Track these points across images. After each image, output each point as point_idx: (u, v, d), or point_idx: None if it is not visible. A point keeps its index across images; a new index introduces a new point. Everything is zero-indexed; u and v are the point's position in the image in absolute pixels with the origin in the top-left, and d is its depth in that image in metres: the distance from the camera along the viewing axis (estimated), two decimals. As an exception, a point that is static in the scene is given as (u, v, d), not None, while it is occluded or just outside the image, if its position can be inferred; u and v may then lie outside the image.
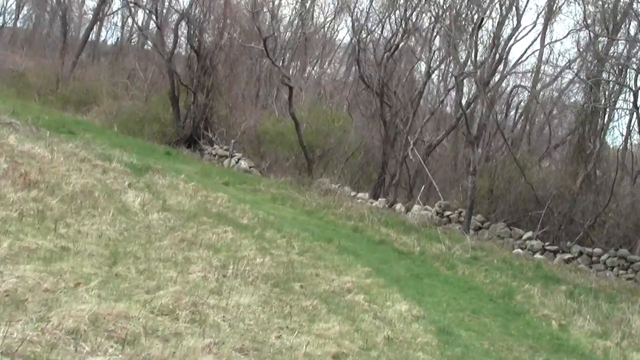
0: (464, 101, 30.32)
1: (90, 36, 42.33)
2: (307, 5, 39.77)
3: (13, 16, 52.74)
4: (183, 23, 31.36)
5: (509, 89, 35.58)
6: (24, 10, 52.29)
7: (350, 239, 18.82)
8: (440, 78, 35.94)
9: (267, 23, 39.59)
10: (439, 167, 34.59)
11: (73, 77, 36.05)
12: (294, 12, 41.11)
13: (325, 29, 42.17)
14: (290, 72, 39.04)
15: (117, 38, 49.33)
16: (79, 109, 33.14)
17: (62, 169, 16.73)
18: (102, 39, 50.32)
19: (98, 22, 43.71)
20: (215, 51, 31.30)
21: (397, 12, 29.96)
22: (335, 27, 42.19)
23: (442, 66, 31.35)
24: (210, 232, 14.36)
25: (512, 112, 37.75)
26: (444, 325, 11.66)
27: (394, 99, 28.82)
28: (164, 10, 33.91)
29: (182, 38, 32.67)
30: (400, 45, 30.90)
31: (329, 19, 41.39)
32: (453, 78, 30.92)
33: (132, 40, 46.68)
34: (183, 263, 11.05)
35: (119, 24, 48.10)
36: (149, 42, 36.81)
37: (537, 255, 23.37)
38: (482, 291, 15.68)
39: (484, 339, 11.60)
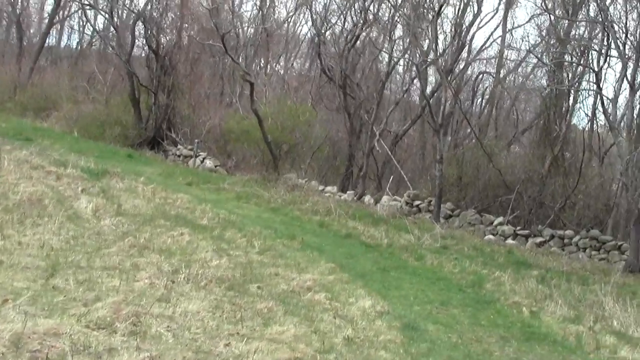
0: (429, 90, 29.76)
1: (48, 41, 41.62)
2: (268, 1, 38.95)
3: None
4: (140, 23, 30.43)
5: (474, 76, 35.08)
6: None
7: (315, 235, 18.17)
8: (406, 68, 35.27)
9: (227, 20, 38.98)
10: (408, 157, 34.09)
11: (31, 83, 35.13)
12: (254, 8, 40.35)
13: (288, 24, 41.39)
14: (253, 68, 38.25)
15: (77, 42, 48.42)
16: (39, 115, 32.28)
17: (10, 177, 16.14)
18: (62, 44, 49.40)
19: (57, 26, 42.87)
20: (174, 50, 30.51)
21: (357, 3, 29.31)
22: (298, 22, 40.99)
23: (407, 56, 30.52)
24: (165, 235, 13.74)
25: (479, 100, 37.32)
26: (409, 320, 11.03)
27: (357, 91, 28.17)
28: (121, 12, 32.97)
29: (141, 39, 31.72)
30: (362, 37, 30.31)
31: (290, 14, 40.55)
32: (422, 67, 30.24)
33: (93, 44, 45.70)
34: (130, 270, 10.40)
35: (77, 27, 47.03)
36: (109, 45, 35.80)
37: (509, 241, 22.86)
38: (451, 281, 15.07)
39: (452, 331, 10.98)
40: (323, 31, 30.74)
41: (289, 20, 40.47)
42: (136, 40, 31.62)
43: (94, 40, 44.96)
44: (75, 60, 42.22)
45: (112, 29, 33.95)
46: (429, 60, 25.30)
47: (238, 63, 30.29)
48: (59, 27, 45.46)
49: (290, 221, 19.67)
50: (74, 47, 47.41)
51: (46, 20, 40.70)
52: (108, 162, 23.91)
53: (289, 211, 20.99)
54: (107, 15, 30.91)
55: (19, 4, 40.16)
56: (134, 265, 10.71)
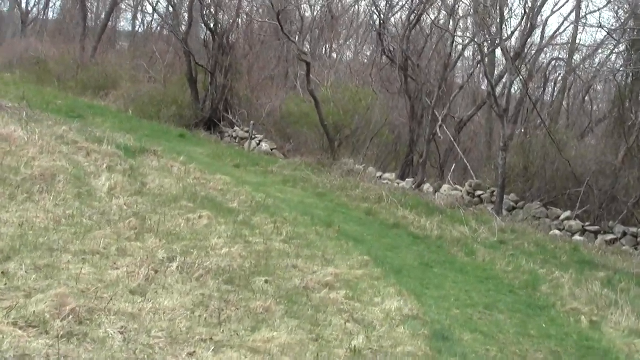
0: (496, 74, 27.61)
1: (112, 21, 40.50)
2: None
3: (45, 7, 51.12)
4: (198, 1, 28.92)
5: (546, 63, 32.73)
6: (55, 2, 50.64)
7: (359, 223, 16.40)
8: (474, 52, 33.02)
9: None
10: (473, 145, 31.95)
11: (93, 62, 34.01)
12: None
13: (354, 7, 39.48)
14: (317, 52, 36.54)
15: (139, 23, 47.32)
16: (98, 94, 31.15)
17: (32, 151, 14.61)
18: (124, 24, 48.43)
19: (119, 6, 41.78)
20: (232, 29, 28.91)
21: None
22: (362, 5, 38.96)
23: (470, 36, 28.34)
24: (181, 218, 12.16)
25: (551, 88, 34.92)
26: (442, 327, 9.20)
27: (419, 74, 26.16)
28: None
29: (199, 17, 30.19)
30: (425, 17, 28.35)
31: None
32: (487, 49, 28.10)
33: (152, 25, 44.54)
34: (113, 256, 8.78)
35: (138, 7, 45.79)
36: (166, 24, 34.45)
37: (576, 237, 20.64)
38: (502, 281, 13.13)
39: (492, 343, 9.11)
40: (384, 11, 28.79)
41: (355, 3, 38.51)
42: (192, 19, 30.03)
43: (153, 20, 43.67)
44: (136, 40, 41.10)
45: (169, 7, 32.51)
46: (490, 38, 23.11)
47: (294, 42, 28.59)
48: (121, 7, 44.49)
49: (334, 208, 17.95)
50: (136, 27, 46.31)
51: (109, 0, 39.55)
52: (156, 141, 22.59)
53: (335, 197, 19.25)
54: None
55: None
56: (121, 250, 9.10)
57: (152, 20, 43.62)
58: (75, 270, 7.70)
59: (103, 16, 40.51)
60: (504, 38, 23.59)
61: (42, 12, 50.81)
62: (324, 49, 37.27)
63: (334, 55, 36.96)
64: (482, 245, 16.08)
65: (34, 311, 6.26)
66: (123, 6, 48.23)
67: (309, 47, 37.73)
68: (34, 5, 51.39)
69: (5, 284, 6.82)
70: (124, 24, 49.72)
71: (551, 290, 12.83)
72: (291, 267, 10.46)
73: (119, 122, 25.13)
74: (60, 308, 6.35)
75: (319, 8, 39.62)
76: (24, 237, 8.60)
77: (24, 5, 50.54)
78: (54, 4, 51.18)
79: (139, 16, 46.55)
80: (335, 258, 11.83)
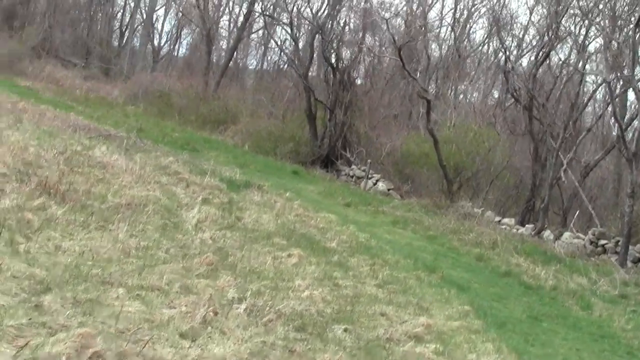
0: (628, 116, 25.84)
1: (236, 56, 40.51)
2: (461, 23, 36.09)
3: (174, 44, 51.93)
4: (319, 36, 28.28)
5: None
6: (186, 38, 51.34)
7: (467, 269, 15.17)
8: (605, 94, 31.18)
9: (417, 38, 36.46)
10: (600, 191, 30.05)
11: (214, 97, 33.86)
12: (448, 29, 37.53)
13: (482, 46, 38.19)
14: (441, 91, 35.36)
15: (259, 59, 47.26)
16: (217, 128, 30.89)
17: (127, 179, 14.05)
18: (248, 60, 48.52)
19: (243, 42, 41.71)
20: (354, 65, 28.15)
21: (548, 17, 25.81)
22: (490, 45, 37.53)
23: (598, 72, 26.54)
24: (270, 255, 11.23)
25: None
26: (542, 393, 7.92)
27: (545, 114, 24.67)
28: (301, 24, 31.07)
29: (320, 53, 29.56)
30: (552, 56, 26.91)
31: (485, 38, 37.39)
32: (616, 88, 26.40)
33: (276, 61, 44.29)
34: (174, 293, 7.89)
35: (261, 45, 45.60)
36: (288, 59, 34.00)
37: None
38: (620, 340, 11.66)
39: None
40: (511, 48, 27.50)
41: (483, 43, 37.23)
42: (314, 54, 29.45)
43: (276, 56, 43.42)
44: (261, 77, 40.93)
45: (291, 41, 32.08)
46: (620, 75, 21.48)
47: (415, 78, 27.57)
48: (250, 44, 44.60)
49: (444, 252, 16.76)
50: (264, 65, 46.26)
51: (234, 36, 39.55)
52: (267, 176, 22.05)
53: (446, 241, 18.05)
54: (287, 28, 29.02)
55: (210, 17, 39.05)
56: (185, 287, 8.22)
57: (279, 58, 43.37)
58: (120, 308, 6.84)
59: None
60: (636, 78, 21.92)
61: (172, 49, 51.65)
62: (449, 89, 36.03)
63: (460, 95, 35.69)
64: (601, 299, 14.57)
65: (49, 352, 5.43)
66: (253, 44, 48.52)
67: (434, 86, 36.64)
68: (166, 41, 52.24)
69: (30, 319, 6.01)
70: (253, 61, 49.79)
71: (676, 354, 11.28)
72: (378, 315, 9.40)
73: (233, 157, 24.68)
74: (82, 350, 5.50)
75: (446, 47, 38.62)
76: (78, 268, 7.84)
77: (156, 42, 51.44)
78: (183, 41, 51.69)
79: (269, 54, 46.50)
80: (432, 306, 10.71)
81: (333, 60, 28.06)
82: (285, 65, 39.71)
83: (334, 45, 28.08)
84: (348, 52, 29.12)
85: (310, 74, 33.88)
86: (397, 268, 12.91)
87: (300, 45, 31.77)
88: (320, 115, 28.92)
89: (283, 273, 10.36)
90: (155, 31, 52.29)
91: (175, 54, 51.35)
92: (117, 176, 14.15)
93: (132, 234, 10.16)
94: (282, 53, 38.77)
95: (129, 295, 7.38)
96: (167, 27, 52.54)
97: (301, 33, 32.72)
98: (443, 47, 38.46)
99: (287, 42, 32.22)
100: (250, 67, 47.45)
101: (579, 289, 15.19)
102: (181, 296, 7.86)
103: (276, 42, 38.43)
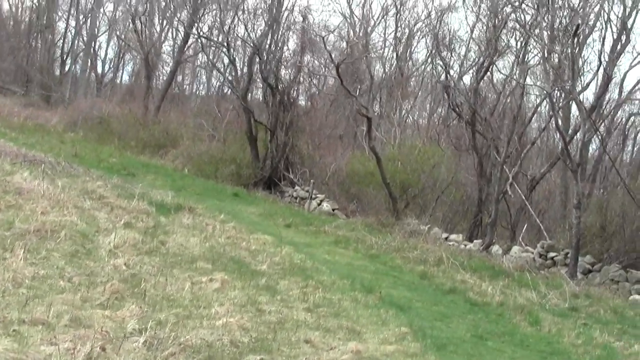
0: (572, 130, 25.15)
1: (175, 81, 39.42)
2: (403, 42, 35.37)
3: (115, 70, 50.65)
4: (257, 57, 27.26)
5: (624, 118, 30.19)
6: (128, 64, 50.08)
7: (409, 288, 14.16)
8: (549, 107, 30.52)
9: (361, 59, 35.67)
10: (549, 205, 29.33)
11: (155, 121, 32.66)
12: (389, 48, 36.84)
13: (425, 65, 37.44)
14: (386, 110, 34.57)
15: (205, 84, 46.18)
16: (157, 153, 29.73)
17: (43, 205, 12.89)
18: (196, 87, 47.40)
19: (183, 66, 40.58)
20: (293, 85, 27.19)
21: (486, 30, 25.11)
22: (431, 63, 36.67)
23: (539, 84, 25.78)
24: (190, 280, 10.12)
25: (630, 145, 32.27)
26: None
27: (487, 128, 23.85)
28: (238, 45, 30.05)
29: (258, 73, 28.52)
30: (495, 73, 26.20)
31: (428, 56, 36.64)
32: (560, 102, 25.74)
33: (219, 86, 43.21)
34: (62, 327, 6.78)
35: (207, 70, 44.38)
36: (227, 80, 32.94)
37: (660, 303, 17.96)
38: (570, 356, 10.74)
39: None
40: (453, 66, 26.77)
41: (426, 61, 36.48)
42: (252, 75, 28.43)
43: (220, 81, 42.21)
44: (202, 101, 39.88)
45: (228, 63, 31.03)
46: (559, 85, 20.69)
47: (354, 96, 26.57)
48: (190, 69, 43.37)
49: (386, 270, 15.75)
50: (204, 89, 45.11)
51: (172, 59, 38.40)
52: (205, 199, 21.04)
53: (389, 259, 17.03)
54: (223, 49, 27.97)
55: (147, 42, 37.86)
56: (76, 319, 7.14)
57: (222, 82, 42.20)
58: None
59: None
60: (577, 90, 21.23)
61: (115, 75, 50.31)
62: (393, 108, 35.21)
63: (404, 114, 34.86)
64: (550, 313, 13.63)
65: None
66: (198, 69, 47.39)
67: (378, 106, 35.87)
68: (109, 68, 50.89)
69: None
70: (200, 87, 48.62)
71: (630, 370, 10.37)
72: (302, 342, 8.36)
73: (171, 180, 23.59)
74: None
75: (389, 66, 37.91)
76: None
77: (99, 69, 50.14)
78: (126, 67, 50.40)
79: (214, 78, 45.35)
80: (365, 330, 9.71)
81: (272, 81, 27.00)
82: (229, 90, 38.65)
83: (273, 65, 27.07)
84: (288, 72, 28.13)
85: (251, 95, 33.00)
86: (331, 290, 11.88)
87: (240, 67, 30.75)
88: (262, 137, 27.87)
89: (200, 299, 9.32)
90: (98, 58, 50.99)
91: (119, 80, 50.05)
92: (33, 202, 13.07)
93: (32, 262, 9.08)
94: (221, 76, 37.75)
95: (3, 331, 6.25)
96: (110, 54, 50.93)
97: (239, 54, 31.68)
98: (386, 66, 37.65)
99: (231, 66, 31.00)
100: (197, 93, 46.26)
101: (528, 303, 14.25)
102: (70, 330, 6.77)
103: (213, 64, 37.26)
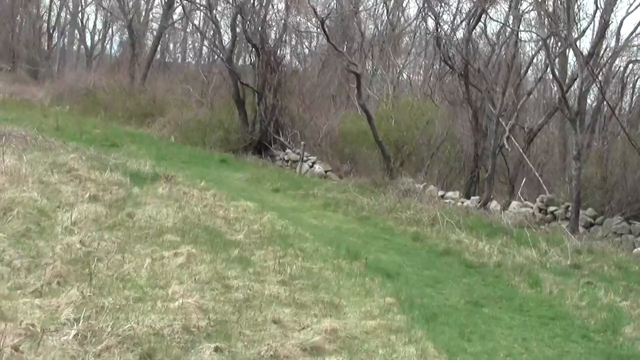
0: (570, 79, 23.91)
1: (166, 51, 38.16)
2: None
3: (105, 42, 49.26)
4: (241, 17, 25.93)
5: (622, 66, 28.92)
6: (115, 34, 48.64)
7: (400, 251, 13.09)
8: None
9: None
10: (548, 157, 28.16)
11: (141, 90, 31.41)
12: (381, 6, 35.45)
13: (416, 20, 35.93)
14: (380, 68, 33.24)
15: (197, 52, 44.73)
16: (144, 122, 28.50)
17: (0, 181, 11.79)
18: (178, 53, 45.92)
19: (166, 32, 39.12)
20: (279, 45, 25.94)
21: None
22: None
23: (534, 32, 24.42)
24: (153, 256, 9.02)
25: (629, 92, 30.98)
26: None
27: (481, 80, 22.60)
28: (221, 6, 28.73)
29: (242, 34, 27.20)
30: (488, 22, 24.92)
31: (420, 11, 35.20)
32: (557, 50, 24.53)
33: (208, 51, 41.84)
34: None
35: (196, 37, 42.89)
36: (210, 43, 31.57)
37: (667, 255, 16.88)
38: (573, 321, 9.65)
39: None
40: (442, 15, 25.47)
41: (417, 17, 34.99)
42: (236, 37, 27.15)
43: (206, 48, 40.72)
44: (190, 67, 38.59)
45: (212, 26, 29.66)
46: (554, 30, 19.45)
47: (341, 52, 25.31)
48: (175, 36, 41.92)
49: (376, 233, 14.68)
50: (196, 57, 43.61)
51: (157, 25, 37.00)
52: (190, 167, 20.01)
53: (380, 221, 15.92)
54: (206, 11, 26.65)
55: (130, 9, 36.45)
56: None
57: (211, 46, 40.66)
58: None
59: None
60: (574, 37, 19.98)
61: (102, 47, 48.89)
62: (385, 65, 33.86)
63: (397, 71, 33.47)
64: (551, 272, 12.55)
65: None
66: (190, 38, 46.01)
67: (370, 64, 34.60)
68: (97, 41, 49.50)
69: None
70: (191, 54, 47.16)
71: (638, 332, 9.28)
72: (270, 323, 7.28)
73: (156, 149, 22.44)
74: None
75: (380, 24, 36.58)
76: None
77: (88, 42, 48.76)
78: (112, 39, 49.00)
79: (205, 47, 43.99)
80: (347, 303, 8.67)
81: (257, 41, 25.73)
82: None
83: (257, 25, 25.78)
84: (274, 32, 26.86)
85: (243, 60, 31.77)
86: (313, 258, 10.82)
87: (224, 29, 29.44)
88: (250, 101, 26.64)
89: (160, 278, 8.26)
90: (87, 30, 49.59)
91: (108, 52, 48.63)
92: (-14, 178, 11.94)
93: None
94: (203, 39, 36.39)
95: None
96: (99, 26, 49.47)
97: (225, 17, 30.26)
98: (378, 23, 36.33)
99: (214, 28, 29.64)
100: (187, 62, 44.75)
101: (527, 262, 13.17)
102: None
103: (196, 27, 35.88)
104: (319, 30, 26.00)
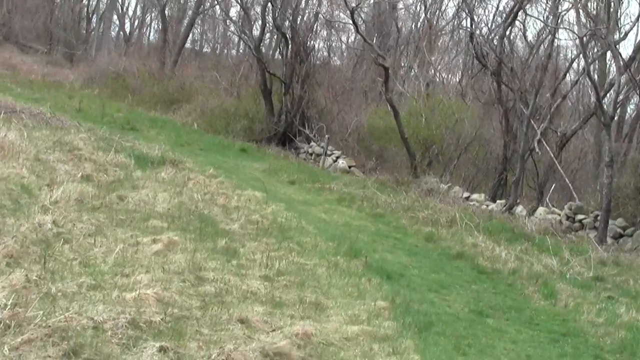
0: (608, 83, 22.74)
1: (193, 36, 37.51)
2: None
3: (142, 28, 48.68)
4: (271, 5, 25.08)
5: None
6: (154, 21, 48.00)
7: (409, 252, 12.18)
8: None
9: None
10: (581, 165, 26.98)
11: (170, 76, 30.73)
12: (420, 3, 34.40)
13: (453, 19, 34.82)
14: (416, 66, 32.23)
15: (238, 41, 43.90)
16: (170, 108, 27.83)
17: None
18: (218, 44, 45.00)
19: (200, 18, 38.41)
20: (309, 35, 25.05)
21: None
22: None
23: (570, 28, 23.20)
24: (128, 242, 8.20)
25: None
26: None
27: (514, 79, 21.53)
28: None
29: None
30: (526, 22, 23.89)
31: (457, 10, 34.17)
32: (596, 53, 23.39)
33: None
34: None
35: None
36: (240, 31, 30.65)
37: (700, 272, 15.73)
38: (587, 339, 8.67)
39: None
40: (477, 12, 24.42)
41: (455, 16, 33.87)
42: (266, 24, 26.33)
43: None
44: (216, 52, 37.85)
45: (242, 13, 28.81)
46: (592, 28, 18.36)
47: (370, 43, 24.47)
48: (202, 21, 40.96)
49: (388, 232, 13.77)
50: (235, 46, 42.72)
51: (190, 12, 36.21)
52: (207, 154, 19.37)
53: (394, 219, 15.00)
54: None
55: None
56: None
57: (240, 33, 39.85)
58: None
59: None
60: (615, 39, 18.88)
61: (140, 33, 48.35)
62: (420, 62, 32.85)
63: (431, 69, 32.48)
64: (570, 284, 11.55)
65: None
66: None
67: (406, 61, 33.65)
68: (136, 27, 49.05)
69: None
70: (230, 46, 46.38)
71: (660, 355, 8.29)
72: (235, 322, 6.41)
73: (176, 136, 21.81)
74: None
75: (418, 22, 35.61)
76: None
77: (127, 27, 48.39)
78: (151, 25, 48.45)
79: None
80: (334, 304, 7.78)
81: (287, 30, 24.90)
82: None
83: (288, 14, 24.92)
84: (304, 21, 25.92)
85: (273, 51, 31.03)
86: (309, 253, 9.94)
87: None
88: (278, 91, 25.82)
89: (127, 265, 7.40)
90: (126, 16, 49.13)
91: (146, 38, 48.07)
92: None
93: None
94: (232, 25, 35.55)
95: None
96: (139, 12, 48.97)
97: (254, 4, 29.37)
98: (416, 20, 35.36)
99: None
100: (226, 52, 43.96)
101: (545, 272, 12.18)
102: None
103: (226, 13, 35.15)
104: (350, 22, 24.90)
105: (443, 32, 35.90)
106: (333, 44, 33.55)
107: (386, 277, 9.58)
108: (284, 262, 8.98)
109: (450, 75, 35.29)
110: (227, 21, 36.43)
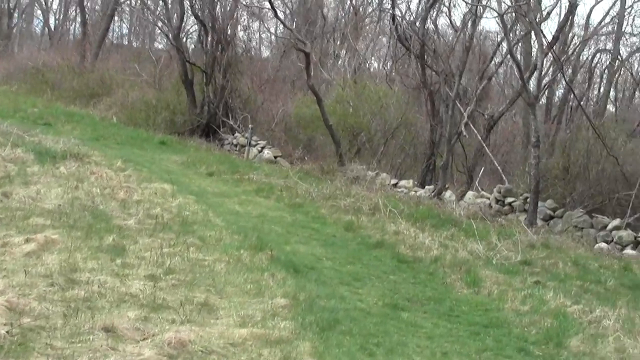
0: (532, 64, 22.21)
1: (113, 27, 36.16)
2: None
3: (66, 23, 47.06)
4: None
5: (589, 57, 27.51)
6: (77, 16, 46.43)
7: (326, 243, 11.32)
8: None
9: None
10: (511, 148, 26.48)
11: (91, 70, 29.45)
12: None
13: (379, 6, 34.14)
14: (343, 52, 31.51)
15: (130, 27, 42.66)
16: (90, 102, 26.63)
17: None
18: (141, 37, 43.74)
19: (120, 9, 37.19)
20: (230, 22, 24.04)
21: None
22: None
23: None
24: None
25: (596, 83, 29.54)
26: None
27: (440, 62, 20.81)
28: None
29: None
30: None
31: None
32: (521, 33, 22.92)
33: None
34: None
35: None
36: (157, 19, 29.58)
37: (628, 251, 15.17)
38: (511, 330, 7.91)
39: None
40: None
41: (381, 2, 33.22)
42: (185, 13, 25.29)
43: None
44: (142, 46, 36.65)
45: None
46: (513, 6, 17.72)
47: (291, 29, 23.64)
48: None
49: (306, 222, 12.88)
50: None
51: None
52: (124, 147, 18.48)
53: (314, 209, 14.12)
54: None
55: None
56: None
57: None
58: None
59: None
60: (536, 17, 18.27)
61: (63, 28, 46.67)
62: (346, 49, 32.12)
63: (357, 56, 31.72)
64: (496, 269, 10.83)
65: None
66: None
67: (333, 48, 32.89)
68: (59, 22, 47.41)
69: None
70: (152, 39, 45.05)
71: (586, 345, 7.57)
72: (99, 331, 5.46)
73: (92, 130, 20.77)
74: None
75: (344, 8, 34.89)
76: None
77: (52, 22, 46.74)
78: (75, 19, 46.84)
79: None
80: (226, 304, 6.86)
81: (207, 19, 23.87)
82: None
83: (207, 2, 23.86)
84: (223, 8, 24.88)
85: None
86: (211, 248, 9.01)
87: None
88: (200, 82, 24.77)
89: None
90: (50, 11, 47.42)
91: (71, 33, 46.41)
92: None
93: None
94: (149, 15, 34.31)
95: None
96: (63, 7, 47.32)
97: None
98: (340, 8, 34.65)
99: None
100: (141, 41, 42.66)
101: (470, 258, 11.45)
102: None
103: (144, 4, 33.94)
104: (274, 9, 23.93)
105: (369, 18, 35.23)
106: (262, 35, 32.59)
107: (293, 271, 8.69)
108: (178, 259, 8.06)
109: (378, 62, 34.62)
110: (146, 11, 35.21)
